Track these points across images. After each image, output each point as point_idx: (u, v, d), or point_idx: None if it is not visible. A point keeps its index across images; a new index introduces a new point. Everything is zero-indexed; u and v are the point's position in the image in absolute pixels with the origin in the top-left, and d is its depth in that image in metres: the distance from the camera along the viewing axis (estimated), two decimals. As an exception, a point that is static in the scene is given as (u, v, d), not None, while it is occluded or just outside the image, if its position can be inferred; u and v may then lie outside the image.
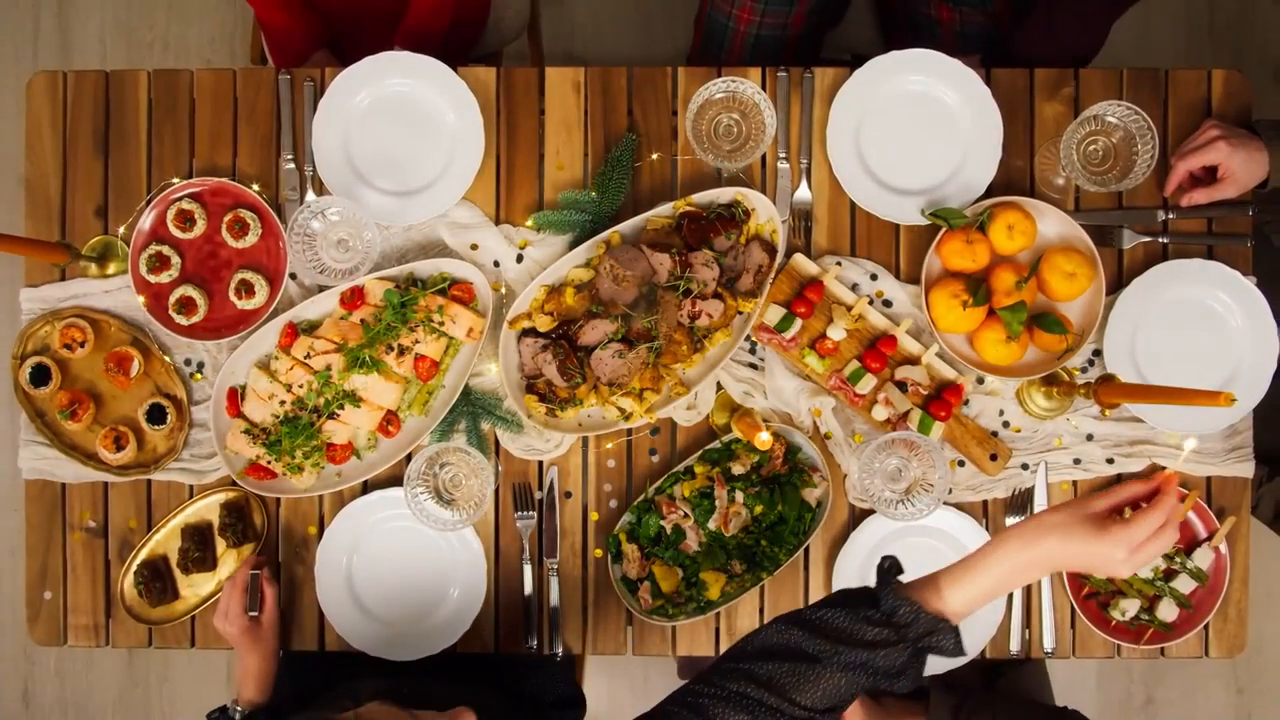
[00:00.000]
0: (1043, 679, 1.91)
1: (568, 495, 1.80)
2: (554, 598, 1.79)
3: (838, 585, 1.76)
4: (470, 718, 1.16)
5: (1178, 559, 1.76)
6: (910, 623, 1.18)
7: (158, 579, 1.78)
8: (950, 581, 1.20)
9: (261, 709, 1.67)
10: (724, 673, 1.24)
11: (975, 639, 1.77)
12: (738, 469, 1.73)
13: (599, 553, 1.80)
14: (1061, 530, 1.18)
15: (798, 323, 1.74)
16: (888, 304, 1.79)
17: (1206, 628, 1.79)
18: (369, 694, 1.16)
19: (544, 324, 1.72)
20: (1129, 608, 1.75)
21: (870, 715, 1.68)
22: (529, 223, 1.80)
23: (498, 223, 1.81)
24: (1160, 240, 1.78)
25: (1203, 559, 1.76)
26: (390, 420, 1.76)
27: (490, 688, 1.70)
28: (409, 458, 1.77)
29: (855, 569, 1.77)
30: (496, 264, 1.80)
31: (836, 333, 1.73)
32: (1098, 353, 1.78)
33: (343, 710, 1.12)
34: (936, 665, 1.57)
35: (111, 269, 1.81)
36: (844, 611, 1.21)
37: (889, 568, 1.24)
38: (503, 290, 1.79)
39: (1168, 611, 1.76)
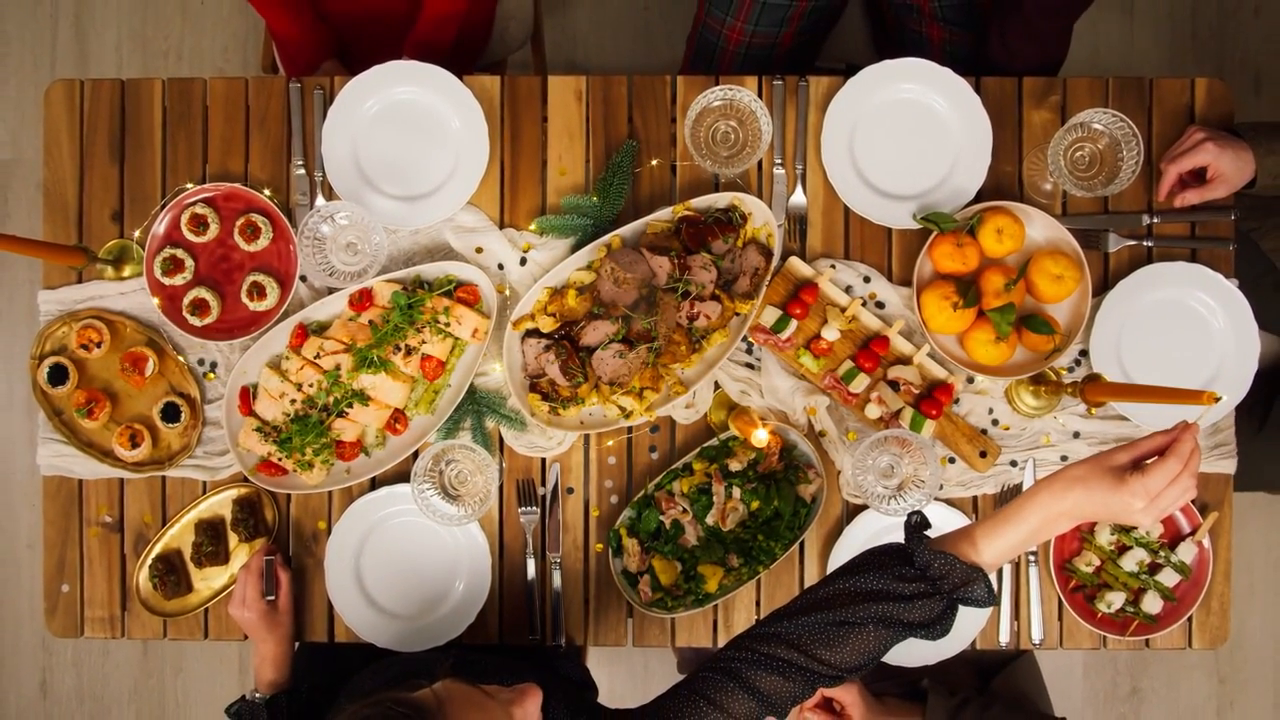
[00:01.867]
0: (1036, 678, 1.90)
1: (570, 491, 1.80)
2: (556, 591, 1.79)
3: (832, 578, 1.76)
4: (537, 693, 1.16)
5: (1161, 553, 1.76)
6: (946, 574, 1.21)
7: (172, 572, 1.78)
8: (985, 534, 1.23)
9: (284, 691, 1.66)
10: (756, 637, 1.27)
11: (966, 631, 1.77)
12: (735, 466, 1.73)
13: (600, 547, 1.80)
14: (1084, 483, 1.20)
15: (793, 324, 1.74)
16: (880, 305, 1.79)
17: (1190, 620, 1.79)
18: (444, 671, 1.16)
19: (547, 325, 1.72)
20: (1115, 600, 1.75)
21: (867, 711, 1.68)
22: (532, 227, 1.80)
23: (502, 227, 1.81)
24: (1145, 244, 1.78)
25: (1186, 553, 1.76)
26: (398, 418, 1.76)
27: (529, 663, 1.70)
28: (416, 455, 1.77)
29: (849, 563, 1.77)
30: (501, 267, 1.80)
31: (830, 333, 1.73)
32: (1084, 353, 1.78)
33: (417, 689, 1.12)
34: (948, 644, 1.57)
35: (127, 272, 1.81)
36: (876, 573, 1.24)
37: (917, 523, 1.27)
38: (507, 292, 1.79)
39: (1152, 604, 1.76)
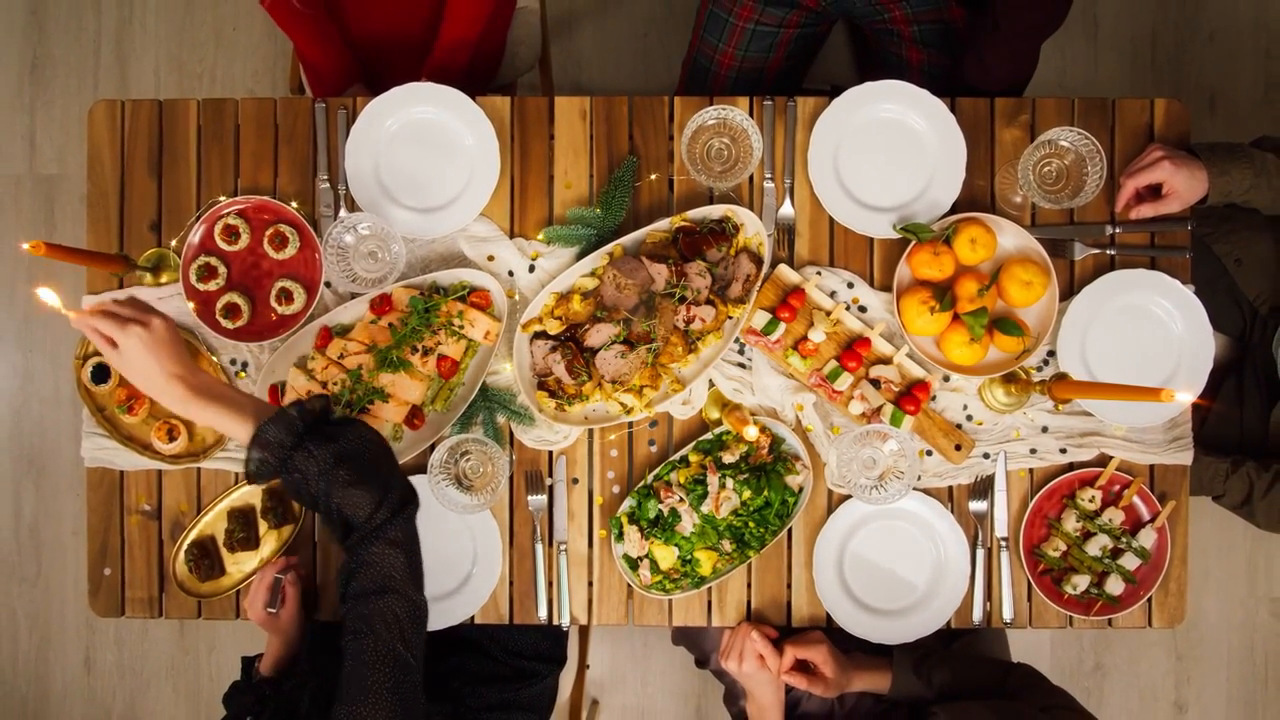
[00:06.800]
0: (999, 640, 1.90)
1: (575, 481, 1.80)
2: (562, 573, 1.79)
3: (818, 563, 1.76)
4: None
5: (1124, 538, 1.76)
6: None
7: (206, 557, 1.78)
8: None
9: (265, 681, 1.67)
10: None
11: (940, 612, 1.76)
12: (728, 458, 1.73)
13: (603, 533, 1.80)
14: None
15: (782, 326, 1.74)
16: (863, 309, 1.79)
17: (1150, 601, 1.79)
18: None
19: (554, 327, 1.72)
20: (1080, 583, 1.75)
21: (838, 667, 1.67)
22: (540, 236, 1.80)
23: (512, 236, 1.81)
24: (1108, 252, 1.78)
25: (1146, 539, 1.76)
26: (415, 414, 1.75)
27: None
28: (432, 448, 1.77)
29: (833, 548, 1.77)
30: (511, 273, 1.80)
31: (816, 335, 1.73)
32: (1052, 353, 1.78)
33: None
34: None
35: (165, 278, 1.81)
36: None
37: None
38: (516, 297, 1.79)
39: (1115, 586, 1.76)
